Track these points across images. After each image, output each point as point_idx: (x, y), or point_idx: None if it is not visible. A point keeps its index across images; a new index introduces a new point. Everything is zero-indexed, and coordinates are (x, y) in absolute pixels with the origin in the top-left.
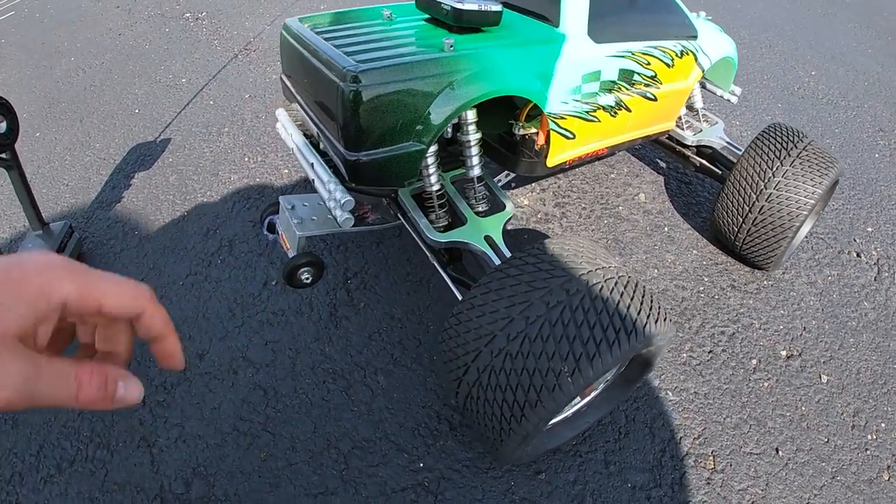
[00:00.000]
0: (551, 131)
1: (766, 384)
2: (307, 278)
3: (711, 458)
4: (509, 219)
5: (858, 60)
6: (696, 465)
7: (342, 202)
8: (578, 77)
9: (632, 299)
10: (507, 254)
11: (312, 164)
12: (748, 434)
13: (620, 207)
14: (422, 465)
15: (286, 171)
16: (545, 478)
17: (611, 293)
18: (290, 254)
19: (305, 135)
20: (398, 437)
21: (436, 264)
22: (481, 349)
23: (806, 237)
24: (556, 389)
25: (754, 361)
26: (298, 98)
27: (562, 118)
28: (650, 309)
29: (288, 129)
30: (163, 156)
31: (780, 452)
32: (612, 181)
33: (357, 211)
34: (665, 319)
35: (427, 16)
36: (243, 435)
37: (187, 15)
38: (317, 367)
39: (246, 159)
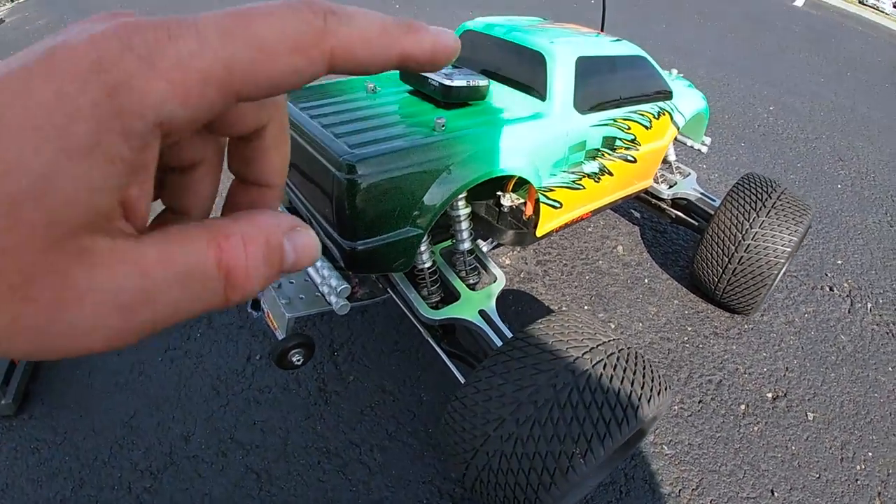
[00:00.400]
0: (539, 203)
1: (756, 428)
2: (298, 360)
3: None
4: (501, 289)
5: (813, 90)
6: None
7: (338, 290)
8: (566, 149)
9: (634, 374)
10: (504, 329)
11: None
12: (743, 479)
13: (600, 262)
14: None
15: None
16: None
17: (614, 370)
18: (279, 335)
19: (289, 208)
20: None
21: (431, 341)
22: (490, 433)
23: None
24: (570, 471)
25: (743, 406)
26: None
27: (550, 190)
28: (651, 381)
29: None
30: None
31: (775, 494)
32: (589, 235)
33: None
34: (665, 389)
35: (411, 87)
36: None
37: None
38: (309, 446)
39: None
